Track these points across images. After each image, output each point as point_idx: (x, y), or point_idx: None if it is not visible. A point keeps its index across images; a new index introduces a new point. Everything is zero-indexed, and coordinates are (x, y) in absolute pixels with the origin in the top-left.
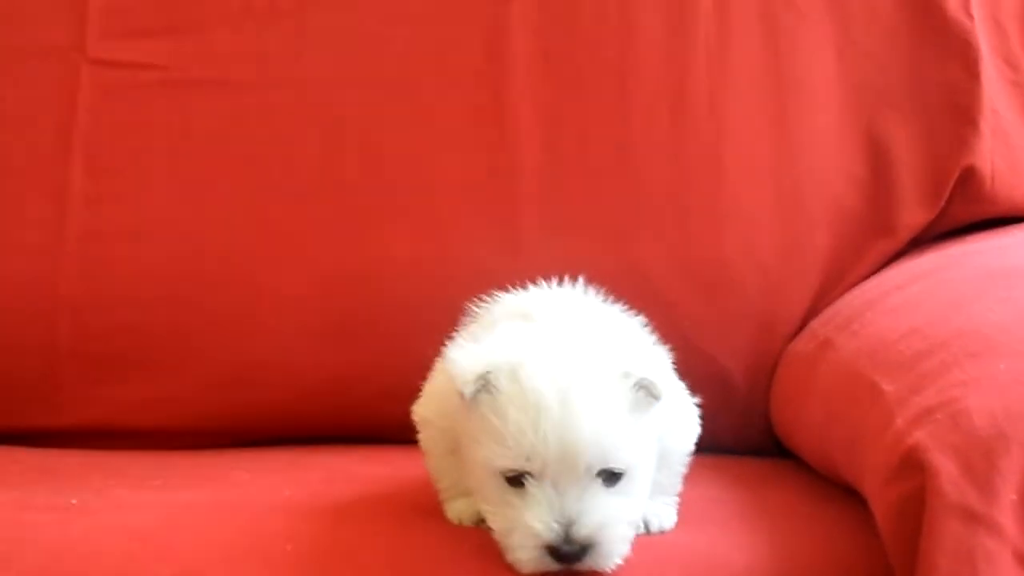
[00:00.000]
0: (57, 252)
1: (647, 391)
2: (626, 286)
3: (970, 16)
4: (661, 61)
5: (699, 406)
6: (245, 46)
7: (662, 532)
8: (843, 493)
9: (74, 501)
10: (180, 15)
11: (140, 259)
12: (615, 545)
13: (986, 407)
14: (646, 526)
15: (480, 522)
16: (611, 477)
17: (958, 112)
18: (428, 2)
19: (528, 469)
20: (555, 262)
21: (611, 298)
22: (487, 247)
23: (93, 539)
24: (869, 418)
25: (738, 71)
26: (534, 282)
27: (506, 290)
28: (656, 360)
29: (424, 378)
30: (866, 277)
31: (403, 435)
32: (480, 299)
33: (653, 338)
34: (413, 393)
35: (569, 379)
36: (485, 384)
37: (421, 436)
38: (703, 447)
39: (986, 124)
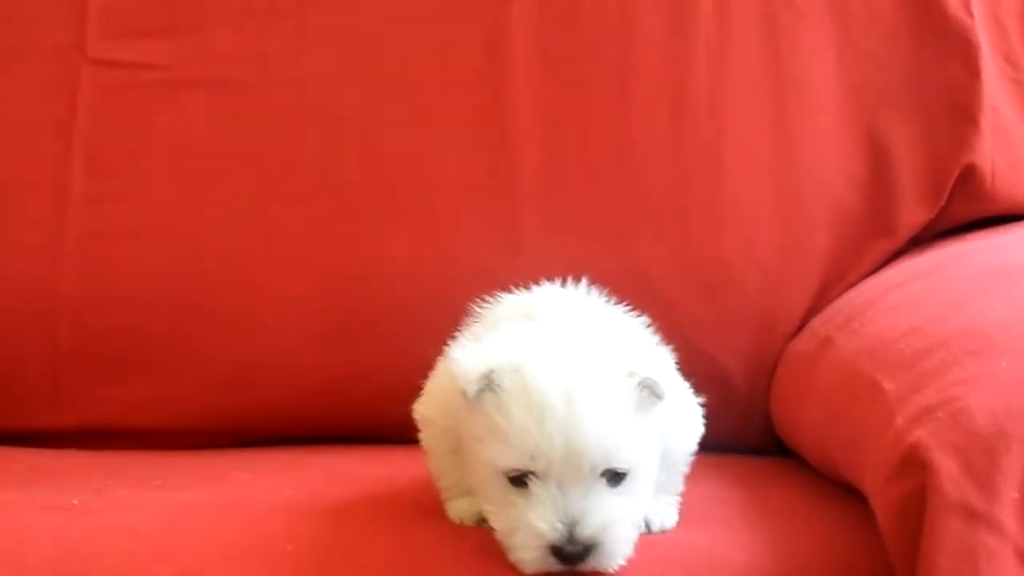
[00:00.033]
0: (57, 252)
1: (651, 391)
2: (626, 286)
3: (970, 14)
4: (661, 61)
5: (702, 406)
6: (245, 46)
7: (663, 531)
8: (844, 492)
9: (74, 501)
10: (180, 15)
11: (140, 259)
12: (619, 545)
13: (987, 405)
14: (647, 525)
15: (481, 522)
16: (615, 477)
17: (958, 110)
18: (428, 2)
19: (532, 468)
20: (555, 262)
21: (612, 298)
22: (487, 247)
23: (93, 539)
24: (870, 417)
25: (738, 71)
26: (534, 282)
27: (507, 290)
28: (660, 360)
29: (424, 378)
30: (866, 276)
31: (403, 435)
32: (481, 299)
33: (656, 338)
34: (413, 393)
35: (573, 379)
36: (489, 383)
37: (422, 435)
38: (704, 446)
39: (986, 122)
